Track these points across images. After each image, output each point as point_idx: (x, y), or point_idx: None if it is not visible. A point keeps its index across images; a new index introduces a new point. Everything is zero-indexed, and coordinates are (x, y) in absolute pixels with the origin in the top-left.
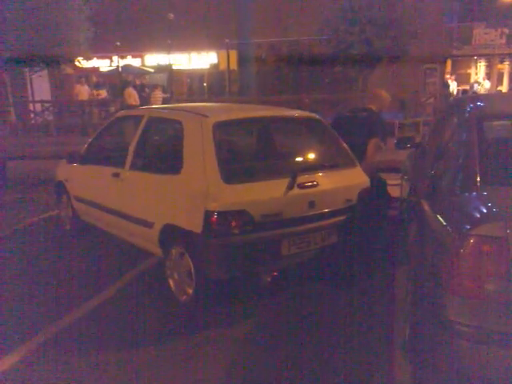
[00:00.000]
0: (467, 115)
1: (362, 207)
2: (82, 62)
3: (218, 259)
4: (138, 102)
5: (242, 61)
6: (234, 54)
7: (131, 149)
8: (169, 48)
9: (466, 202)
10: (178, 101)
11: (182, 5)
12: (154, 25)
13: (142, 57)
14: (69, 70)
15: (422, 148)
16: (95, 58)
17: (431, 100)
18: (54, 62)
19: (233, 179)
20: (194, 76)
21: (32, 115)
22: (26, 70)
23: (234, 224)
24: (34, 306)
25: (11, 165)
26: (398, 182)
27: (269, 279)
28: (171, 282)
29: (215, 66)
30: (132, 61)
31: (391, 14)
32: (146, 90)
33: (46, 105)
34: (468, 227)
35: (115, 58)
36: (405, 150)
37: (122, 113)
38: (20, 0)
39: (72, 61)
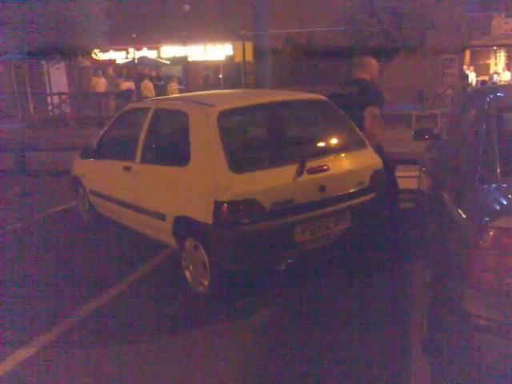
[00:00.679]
0: (486, 106)
1: (374, 189)
2: (99, 55)
3: (230, 250)
4: (153, 94)
5: (257, 52)
6: (249, 46)
7: (140, 142)
8: (184, 40)
9: (485, 194)
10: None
11: None
12: (169, 17)
13: (157, 49)
14: (86, 63)
15: (441, 140)
16: (111, 50)
17: (449, 91)
18: (72, 54)
19: (240, 168)
20: (210, 68)
21: (50, 107)
22: (44, 62)
23: (244, 213)
24: (55, 295)
25: (30, 156)
26: (416, 173)
27: (283, 267)
28: (187, 274)
29: (231, 58)
30: (148, 53)
31: (409, 4)
32: (162, 81)
33: (64, 97)
34: (487, 219)
35: (131, 49)
36: (423, 142)
37: (130, 106)
38: None
39: (89, 53)
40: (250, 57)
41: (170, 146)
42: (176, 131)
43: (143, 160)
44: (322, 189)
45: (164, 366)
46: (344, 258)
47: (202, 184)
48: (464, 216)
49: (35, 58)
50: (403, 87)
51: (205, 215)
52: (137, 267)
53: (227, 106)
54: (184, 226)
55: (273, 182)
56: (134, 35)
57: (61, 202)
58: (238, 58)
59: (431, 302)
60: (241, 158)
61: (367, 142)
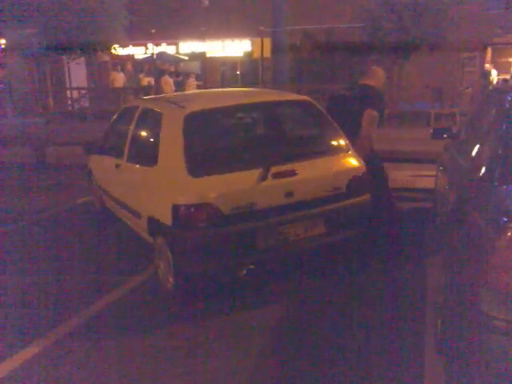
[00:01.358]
0: (507, 106)
1: (354, 194)
2: (118, 50)
3: (188, 252)
4: (173, 90)
5: (275, 48)
6: (267, 42)
7: (127, 140)
8: (203, 35)
9: (504, 194)
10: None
11: None
12: (188, 12)
13: (176, 44)
14: (105, 58)
15: (459, 139)
16: (131, 46)
17: (469, 90)
18: (92, 49)
19: (199, 172)
20: (228, 64)
21: (69, 102)
22: (65, 57)
23: (201, 217)
24: (68, 289)
25: (50, 150)
26: (434, 173)
27: (244, 272)
28: (159, 271)
29: (249, 54)
30: (167, 48)
31: (430, 1)
32: (180, 77)
33: (83, 92)
34: (505, 220)
35: (150, 45)
36: (440, 141)
37: (127, 103)
38: None
39: (108, 48)
40: (268, 53)
41: (146, 146)
42: (152, 131)
43: (128, 158)
44: (289, 194)
45: (164, 367)
46: (357, 258)
47: (164, 186)
48: (482, 216)
49: (56, 53)
50: (422, 85)
51: (166, 217)
52: (140, 266)
53: (197, 108)
54: (154, 226)
55: (232, 186)
56: (153, 30)
57: (78, 195)
58: (256, 54)
59: (446, 302)
60: (201, 162)
61: (349, 146)
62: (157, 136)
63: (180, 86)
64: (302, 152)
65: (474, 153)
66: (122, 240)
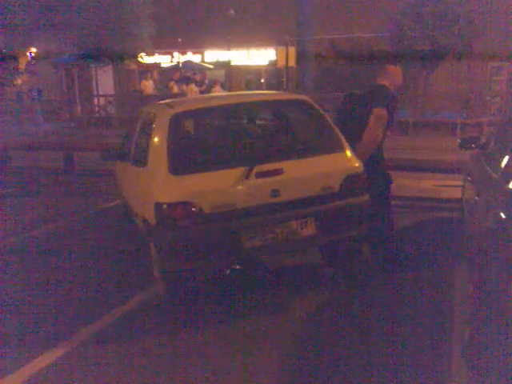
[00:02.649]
0: None
1: (348, 194)
2: (145, 58)
3: (170, 251)
4: None
5: (300, 57)
6: (292, 51)
7: (133, 144)
8: (228, 44)
9: None
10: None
11: (242, 1)
12: (214, 21)
13: (201, 53)
14: (132, 66)
15: (488, 149)
16: (157, 54)
17: (497, 99)
18: (119, 57)
19: (181, 170)
20: (252, 72)
21: (96, 109)
22: (93, 65)
23: (181, 216)
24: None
25: (78, 156)
26: (459, 183)
27: (227, 272)
28: (154, 269)
29: (273, 63)
30: (192, 57)
31: (458, 9)
32: (204, 86)
33: (110, 99)
34: None
35: (176, 53)
36: (467, 151)
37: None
38: None
39: (135, 56)
40: (293, 62)
41: (142, 147)
42: (148, 133)
43: (132, 161)
44: (275, 193)
45: (164, 368)
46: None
47: (149, 185)
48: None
49: (85, 62)
50: (449, 94)
51: (151, 216)
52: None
53: (184, 108)
54: (145, 227)
55: (214, 185)
56: (180, 39)
57: (105, 200)
58: (281, 63)
59: (474, 309)
60: (183, 160)
61: (345, 145)
62: (149, 137)
63: (204, 94)
64: (290, 151)
65: (503, 163)
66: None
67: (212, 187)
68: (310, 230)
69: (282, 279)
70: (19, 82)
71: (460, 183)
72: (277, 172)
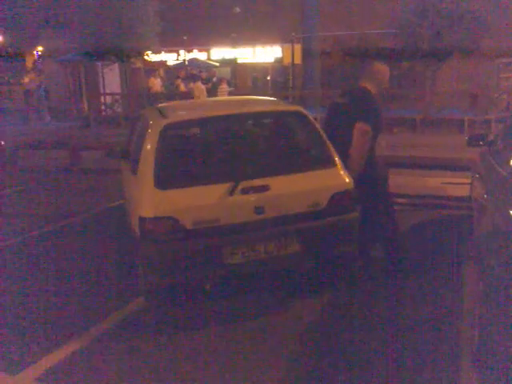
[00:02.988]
0: None
1: (336, 212)
2: (151, 56)
3: (150, 265)
4: (205, 96)
5: (306, 55)
6: (298, 48)
7: (131, 146)
8: (234, 42)
9: None
10: (241, 95)
11: None
12: (220, 19)
13: (207, 51)
14: (138, 64)
15: (496, 146)
16: (163, 52)
17: (505, 96)
18: (125, 56)
19: (165, 184)
20: (258, 70)
21: (103, 107)
22: (99, 63)
23: (163, 230)
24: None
25: (84, 154)
26: (465, 180)
27: (208, 287)
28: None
29: (279, 60)
30: (198, 54)
31: (465, 6)
32: (209, 84)
33: (116, 97)
34: None
35: (182, 51)
36: (474, 148)
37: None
38: None
39: (141, 54)
40: (299, 59)
41: (136, 153)
42: (141, 140)
43: (130, 165)
44: (259, 210)
45: (165, 368)
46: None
47: (136, 197)
48: None
49: (91, 60)
50: (456, 91)
51: (136, 228)
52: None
53: (175, 119)
54: (133, 237)
55: (197, 200)
56: (186, 37)
57: (111, 199)
58: (287, 61)
59: (483, 313)
60: (168, 174)
61: (336, 161)
62: (142, 145)
63: (211, 91)
64: (278, 166)
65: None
66: None
67: (196, 203)
68: (294, 247)
69: (282, 279)
70: (26, 80)
71: (468, 181)
72: (262, 188)
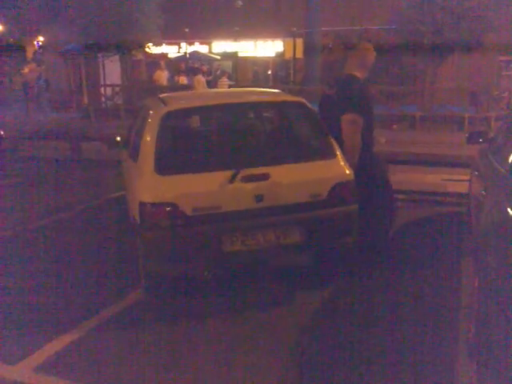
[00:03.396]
0: None
1: (337, 203)
2: (152, 48)
3: (149, 251)
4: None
5: (308, 49)
6: (300, 43)
7: (131, 135)
8: (236, 35)
9: None
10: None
11: None
12: (222, 12)
13: (209, 44)
14: (139, 56)
15: (496, 144)
16: (164, 44)
17: (505, 94)
18: (127, 47)
19: (166, 171)
20: (259, 64)
21: (103, 99)
22: (100, 55)
23: (162, 217)
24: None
25: (85, 145)
26: (466, 177)
27: (209, 276)
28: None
29: (281, 55)
30: (200, 47)
31: (467, 3)
32: (210, 77)
33: (117, 89)
34: None
35: (183, 44)
36: (474, 145)
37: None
38: None
39: (143, 46)
40: (300, 54)
41: (136, 142)
42: (142, 128)
43: (130, 154)
44: (259, 198)
45: (165, 363)
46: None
47: (136, 183)
48: None
49: (92, 52)
50: (456, 88)
51: (136, 215)
52: None
53: (176, 107)
54: (133, 225)
55: (197, 187)
56: (187, 30)
57: (111, 190)
58: (288, 55)
59: (480, 306)
60: (169, 160)
61: (337, 152)
62: (142, 132)
63: (211, 84)
64: (279, 156)
65: (511, 158)
66: None
67: (196, 189)
68: (293, 237)
69: (282, 275)
70: (26, 71)
71: (468, 177)
72: (263, 177)
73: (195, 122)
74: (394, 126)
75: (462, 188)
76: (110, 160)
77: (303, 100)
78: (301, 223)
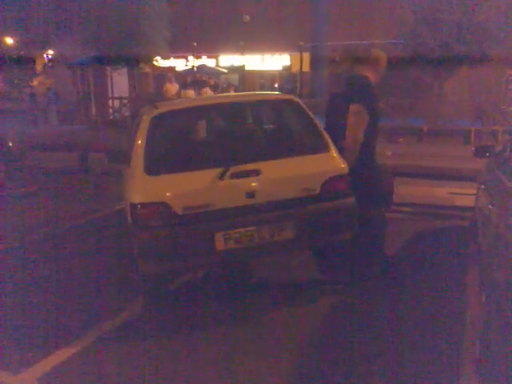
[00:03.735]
0: None
1: (330, 197)
2: (160, 61)
3: (142, 252)
4: None
5: (314, 63)
6: (307, 57)
7: (129, 145)
8: (243, 49)
9: None
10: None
11: (257, 7)
12: (230, 26)
13: (216, 57)
14: (146, 69)
15: (502, 157)
16: (172, 58)
17: None
18: (134, 60)
19: (156, 171)
20: (266, 77)
21: (111, 111)
22: (108, 68)
23: (153, 216)
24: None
25: (92, 157)
26: (473, 191)
27: (200, 274)
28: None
29: (287, 68)
30: (207, 61)
31: (474, 18)
32: (217, 90)
33: (124, 101)
34: None
35: (191, 57)
36: (481, 159)
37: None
38: (102, 1)
39: (151, 60)
40: (307, 67)
41: (131, 147)
42: (135, 133)
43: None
44: (251, 195)
45: (166, 369)
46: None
47: (128, 185)
48: None
49: (101, 64)
50: (463, 102)
51: (128, 216)
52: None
53: (166, 109)
54: (127, 228)
55: (187, 185)
56: (195, 43)
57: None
58: (295, 68)
59: (486, 321)
60: (158, 161)
61: (331, 146)
62: (134, 137)
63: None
64: (270, 151)
65: None
66: None
67: (186, 188)
68: (287, 233)
69: (283, 279)
70: (35, 83)
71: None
72: (253, 172)
73: (185, 122)
74: (401, 140)
75: (470, 202)
76: (116, 171)
77: (293, 97)
78: (294, 218)
